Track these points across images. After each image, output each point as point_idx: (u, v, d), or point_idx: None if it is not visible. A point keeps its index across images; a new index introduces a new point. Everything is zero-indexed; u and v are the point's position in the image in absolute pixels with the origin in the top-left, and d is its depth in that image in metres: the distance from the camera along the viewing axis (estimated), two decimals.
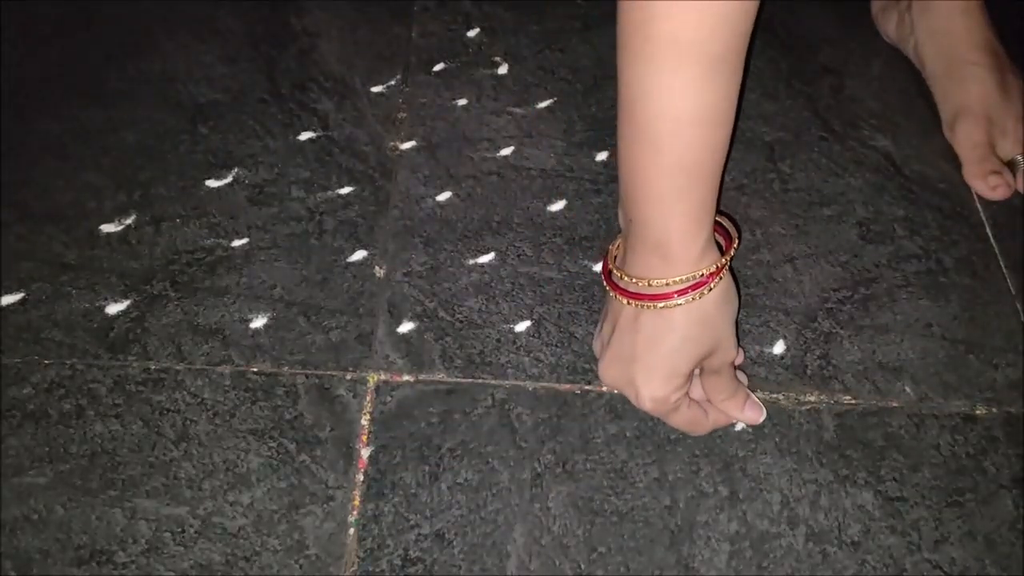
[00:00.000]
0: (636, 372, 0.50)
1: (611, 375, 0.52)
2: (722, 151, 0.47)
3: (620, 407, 0.53)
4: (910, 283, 0.60)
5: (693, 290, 0.47)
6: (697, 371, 0.51)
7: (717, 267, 0.48)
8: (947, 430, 0.53)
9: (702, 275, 0.47)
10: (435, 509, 0.49)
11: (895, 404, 0.54)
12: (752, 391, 0.54)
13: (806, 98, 0.71)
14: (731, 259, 0.49)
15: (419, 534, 0.48)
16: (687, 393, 0.51)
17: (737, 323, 0.52)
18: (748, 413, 0.52)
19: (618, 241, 0.52)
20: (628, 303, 0.49)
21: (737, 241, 0.50)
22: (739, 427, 0.53)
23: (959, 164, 0.67)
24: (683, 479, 0.51)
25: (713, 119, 0.45)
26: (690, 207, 0.47)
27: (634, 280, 0.49)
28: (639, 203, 0.47)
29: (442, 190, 0.63)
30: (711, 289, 0.48)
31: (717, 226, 0.50)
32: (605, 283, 0.51)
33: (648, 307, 0.48)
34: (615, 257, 0.52)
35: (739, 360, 0.54)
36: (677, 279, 0.47)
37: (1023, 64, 0.69)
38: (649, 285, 0.48)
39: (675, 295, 0.47)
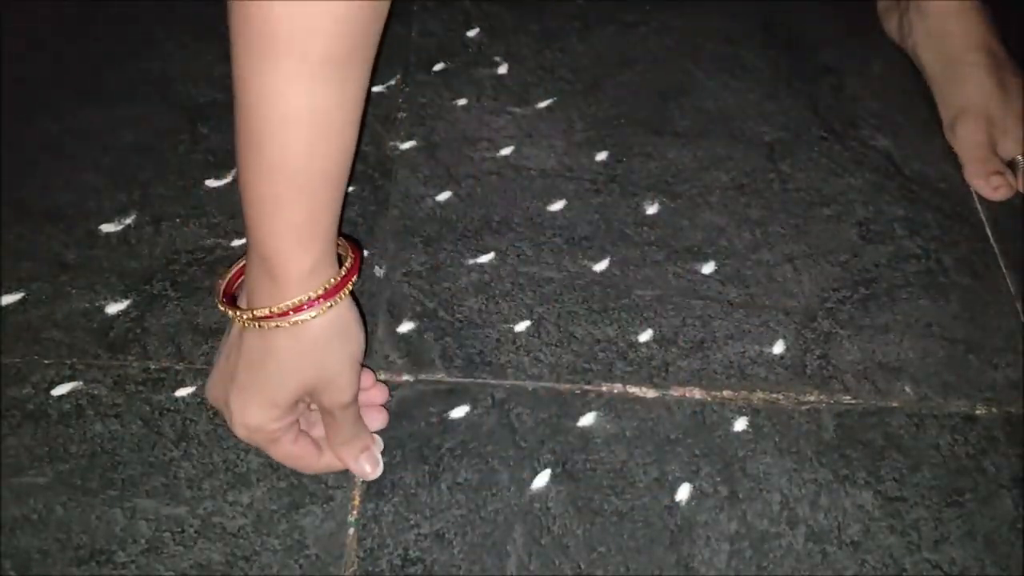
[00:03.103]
0: (232, 396, 0.46)
1: (212, 393, 0.48)
2: (336, 162, 0.43)
3: (620, 407, 0.53)
4: (910, 283, 0.60)
5: (295, 312, 0.43)
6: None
7: (325, 291, 0.44)
8: (947, 430, 0.53)
9: (308, 299, 0.43)
10: (435, 509, 0.49)
11: (895, 404, 0.54)
12: (752, 391, 0.54)
13: (806, 98, 0.71)
14: (349, 289, 0.45)
15: (419, 534, 0.48)
16: (296, 425, 0.47)
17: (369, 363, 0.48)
18: (360, 466, 0.48)
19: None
20: (232, 315, 0.45)
21: (356, 271, 0.46)
22: (739, 427, 0.53)
23: (959, 164, 0.67)
24: (683, 479, 0.51)
25: (321, 124, 0.41)
26: (294, 220, 0.42)
27: (245, 296, 0.46)
28: (247, 211, 0.43)
29: (442, 190, 0.63)
30: (315, 316, 0.43)
31: (347, 249, 0.47)
32: (219, 295, 0.47)
33: (249, 325, 0.44)
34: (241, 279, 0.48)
35: (377, 398, 0.51)
36: (278, 300, 0.43)
37: (1023, 64, 0.69)
38: (251, 299, 0.45)
39: (275, 316, 0.43)
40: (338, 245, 0.47)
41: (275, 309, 0.43)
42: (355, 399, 0.48)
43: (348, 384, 0.46)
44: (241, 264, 0.48)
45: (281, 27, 0.38)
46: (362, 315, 0.48)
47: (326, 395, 0.46)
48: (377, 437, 0.50)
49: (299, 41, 0.38)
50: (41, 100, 0.65)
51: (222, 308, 0.46)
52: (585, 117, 0.68)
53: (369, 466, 0.49)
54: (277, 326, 0.43)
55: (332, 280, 0.44)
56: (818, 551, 0.49)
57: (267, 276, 0.44)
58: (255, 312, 0.44)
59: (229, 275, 0.49)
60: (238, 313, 0.45)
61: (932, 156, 0.68)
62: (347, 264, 0.46)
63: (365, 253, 0.48)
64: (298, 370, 0.45)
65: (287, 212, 0.42)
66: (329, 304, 0.44)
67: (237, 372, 0.46)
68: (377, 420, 0.51)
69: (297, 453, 0.48)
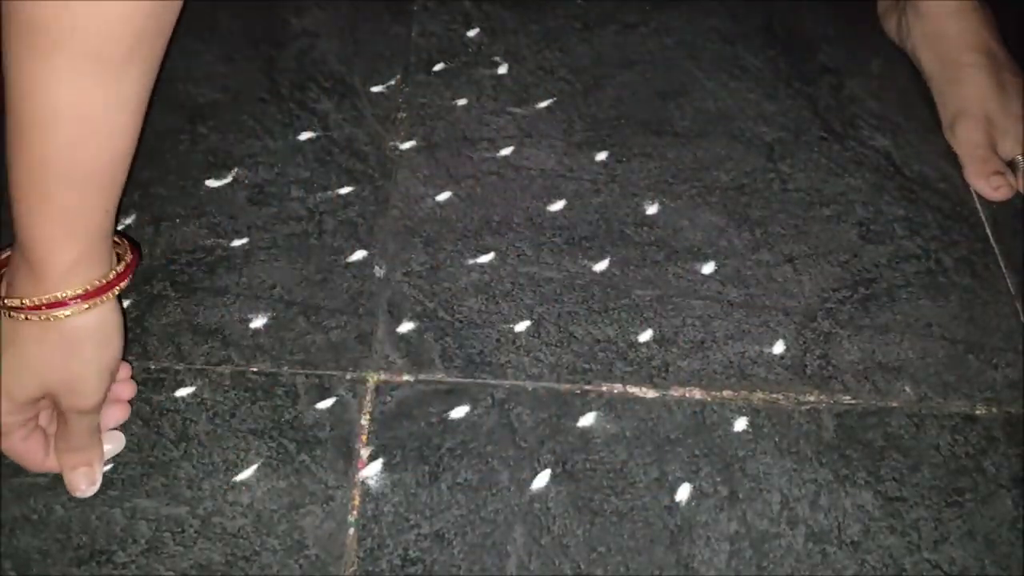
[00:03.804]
0: None
1: None
2: (105, 162, 0.42)
3: (620, 407, 0.53)
4: (910, 283, 0.60)
5: (48, 308, 0.42)
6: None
7: (86, 291, 0.43)
8: (947, 430, 0.53)
9: (61, 296, 0.42)
10: (435, 509, 0.49)
11: (895, 404, 0.55)
12: (752, 391, 0.54)
13: (806, 98, 0.71)
14: (115, 293, 0.44)
15: (419, 534, 0.48)
16: (32, 422, 0.46)
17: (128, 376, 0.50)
18: (74, 479, 0.47)
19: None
20: None
21: (127, 276, 0.45)
22: (739, 427, 0.53)
23: (959, 164, 0.67)
24: (683, 479, 0.51)
25: (89, 123, 0.40)
26: (55, 214, 0.42)
27: (4, 284, 0.45)
28: (12, 195, 0.42)
29: (442, 190, 0.63)
30: (69, 315, 0.43)
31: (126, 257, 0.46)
32: None
33: (3, 314, 0.43)
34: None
35: (113, 419, 0.49)
36: (30, 293, 0.42)
37: (1023, 64, 0.69)
38: (9, 288, 0.44)
39: (23, 309, 0.42)
40: (117, 247, 0.46)
41: (27, 302, 0.42)
42: (96, 409, 0.46)
43: (92, 391, 0.45)
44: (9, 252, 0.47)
45: (51, 23, 0.38)
46: (126, 324, 0.47)
47: (65, 399, 0.45)
48: (119, 436, 0.49)
49: (68, 38, 0.38)
50: None
51: None
52: (585, 117, 0.68)
53: (84, 484, 0.47)
54: (27, 318, 0.43)
55: (97, 281, 0.44)
56: (818, 551, 0.49)
57: (27, 266, 0.43)
58: (7, 301, 0.43)
59: None
60: None
61: (932, 156, 0.68)
62: (118, 267, 0.45)
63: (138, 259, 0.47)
64: (40, 368, 0.44)
65: (48, 206, 0.42)
66: (87, 306, 0.43)
67: None
68: (116, 415, 0.49)
69: (22, 451, 0.46)
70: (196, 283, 0.57)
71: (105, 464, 0.49)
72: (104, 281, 0.44)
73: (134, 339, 0.54)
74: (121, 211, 0.59)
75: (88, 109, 0.40)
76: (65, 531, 0.47)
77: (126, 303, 0.55)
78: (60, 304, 0.43)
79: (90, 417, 0.46)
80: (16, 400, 0.44)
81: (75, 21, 0.38)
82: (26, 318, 0.43)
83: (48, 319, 0.43)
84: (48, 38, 0.38)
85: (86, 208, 0.43)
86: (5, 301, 0.43)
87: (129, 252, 0.47)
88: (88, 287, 0.43)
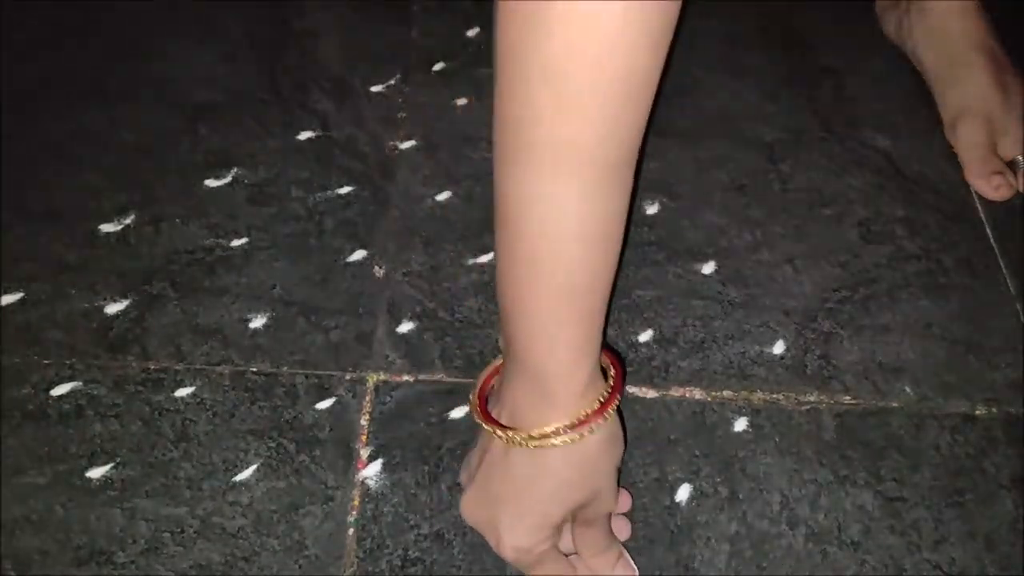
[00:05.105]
0: (500, 516, 0.44)
1: (473, 514, 0.46)
2: (610, 273, 0.41)
3: (620, 407, 0.53)
4: (910, 283, 0.60)
5: (573, 430, 0.42)
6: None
7: (601, 404, 0.43)
8: (947, 430, 0.53)
9: (584, 414, 0.42)
10: (435, 509, 0.49)
11: (895, 404, 0.54)
12: (752, 391, 0.54)
13: (806, 98, 0.71)
14: (619, 398, 0.44)
15: (419, 534, 0.48)
16: (555, 544, 0.45)
17: (625, 468, 0.49)
18: (618, 572, 0.45)
19: (496, 363, 0.48)
20: (499, 435, 0.43)
21: (622, 377, 0.45)
22: (739, 427, 0.53)
23: (959, 164, 0.67)
24: (683, 479, 0.51)
25: (602, 236, 0.39)
26: (573, 337, 0.41)
27: (507, 412, 0.44)
28: (516, 329, 0.42)
29: (442, 190, 0.63)
30: (593, 431, 0.42)
31: (604, 355, 0.45)
32: (476, 409, 0.46)
33: (521, 444, 0.43)
34: (491, 385, 0.48)
35: (623, 507, 0.48)
36: (555, 418, 0.42)
37: (1023, 64, 0.69)
38: (524, 420, 0.43)
39: (552, 435, 0.42)
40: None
41: (549, 429, 0.42)
42: (613, 507, 0.46)
43: (614, 493, 0.45)
44: (487, 373, 0.48)
45: (569, 137, 0.36)
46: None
47: (592, 507, 0.44)
48: (623, 521, 0.48)
49: (586, 150, 0.37)
50: (42, 100, 0.65)
51: (487, 427, 0.44)
52: None
53: (630, 569, 0.46)
54: (553, 445, 0.42)
55: (604, 394, 0.43)
56: (818, 551, 0.49)
57: (539, 395, 0.42)
58: (532, 432, 0.42)
59: (478, 385, 0.48)
60: (510, 434, 0.43)
61: (932, 156, 0.68)
62: (612, 375, 0.45)
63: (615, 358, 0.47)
64: (574, 487, 0.43)
65: (568, 333, 0.41)
66: (605, 418, 0.43)
67: (503, 493, 0.44)
68: (624, 531, 0.48)
69: (559, 573, 0.45)
70: (196, 283, 0.57)
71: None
72: (608, 393, 0.43)
73: (134, 339, 0.54)
74: (121, 211, 0.60)
75: (601, 226, 0.39)
76: (65, 531, 0.47)
77: (125, 303, 0.55)
78: (584, 423, 0.42)
79: (608, 516, 0.46)
80: (553, 525, 0.44)
81: (586, 139, 0.36)
82: (554, 444, 0.42)
83: (573, 441, 0.42)
84: (561, 157, 0.36)
85: (598, 325, 0.42)
86: (531, 433, 0.42)
87: (606, 357, 0.46)
88: (600, 400, 0.43)
